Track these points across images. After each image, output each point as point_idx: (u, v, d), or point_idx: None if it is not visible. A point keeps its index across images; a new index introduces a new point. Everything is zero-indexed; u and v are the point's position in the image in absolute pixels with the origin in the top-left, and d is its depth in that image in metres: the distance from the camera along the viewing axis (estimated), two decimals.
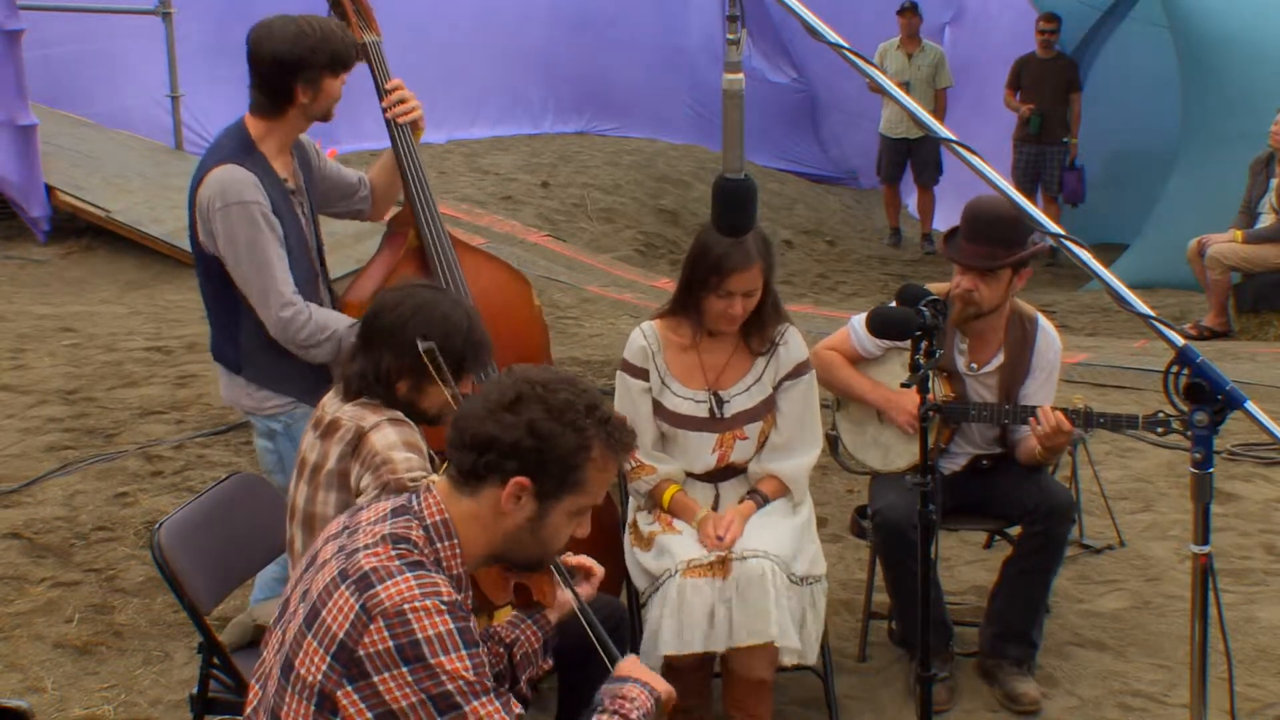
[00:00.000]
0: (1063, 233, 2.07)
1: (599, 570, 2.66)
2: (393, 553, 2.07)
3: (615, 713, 2.22)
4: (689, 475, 3.52)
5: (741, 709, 3.42)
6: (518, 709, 2.08)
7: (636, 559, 3.43)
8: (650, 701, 2.27)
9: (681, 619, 3.22)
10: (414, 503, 2.19)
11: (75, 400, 5.55)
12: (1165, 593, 4.30)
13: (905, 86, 10.67)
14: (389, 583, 2.01)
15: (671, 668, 3.29)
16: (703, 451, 3.48)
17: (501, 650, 2.51)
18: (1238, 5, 9.68)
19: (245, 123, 3.38)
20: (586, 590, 2.62)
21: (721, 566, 3.26)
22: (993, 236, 3.57)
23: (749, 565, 3.23)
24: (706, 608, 3.23)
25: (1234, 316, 8.20)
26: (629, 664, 2.37)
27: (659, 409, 3.49)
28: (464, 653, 2.00)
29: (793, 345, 3.51)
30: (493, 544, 2.20)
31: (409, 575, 2.03)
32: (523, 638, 2.53)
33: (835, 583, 4.15)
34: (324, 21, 3.36)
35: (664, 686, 2.32)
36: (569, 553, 2.64)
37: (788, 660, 3.29)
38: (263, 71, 3.31)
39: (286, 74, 3.29)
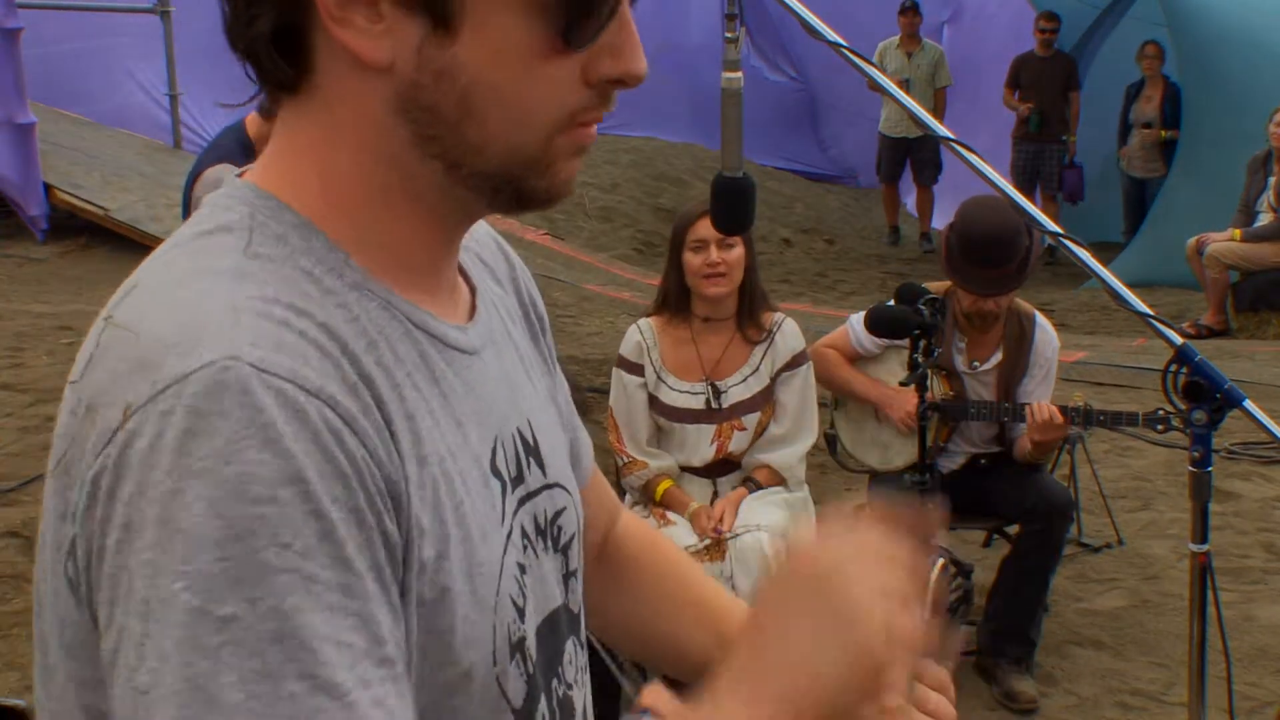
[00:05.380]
0: (1061, 231, 2.07)
1: None
2: None
3: None
4: (687, 471, 3.53)
5: None
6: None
7: None
8: None
9: None
10: None
11: None
12: (1164, 591, 4.30)
13: (905, 85, 10.66)
14: None
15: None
16: (701, 444, 3.49)
17: None
18: (1237, 5, 9.68)
19: (245, 124, 3.40)
20: None
21: (717, 549, 3.28)
22: (998, 257, 3.52)
23: (744, 540, 3.25)
24: None
25: (1232, 315, 8.21)
26: (652, 695, 2.33)
27: (655, 403, 3.50)
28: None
29: (789, 335, 3.52)
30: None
31: None
32: None
33: None
34: None
35: None
36: None
37: None
38: None
39: None
